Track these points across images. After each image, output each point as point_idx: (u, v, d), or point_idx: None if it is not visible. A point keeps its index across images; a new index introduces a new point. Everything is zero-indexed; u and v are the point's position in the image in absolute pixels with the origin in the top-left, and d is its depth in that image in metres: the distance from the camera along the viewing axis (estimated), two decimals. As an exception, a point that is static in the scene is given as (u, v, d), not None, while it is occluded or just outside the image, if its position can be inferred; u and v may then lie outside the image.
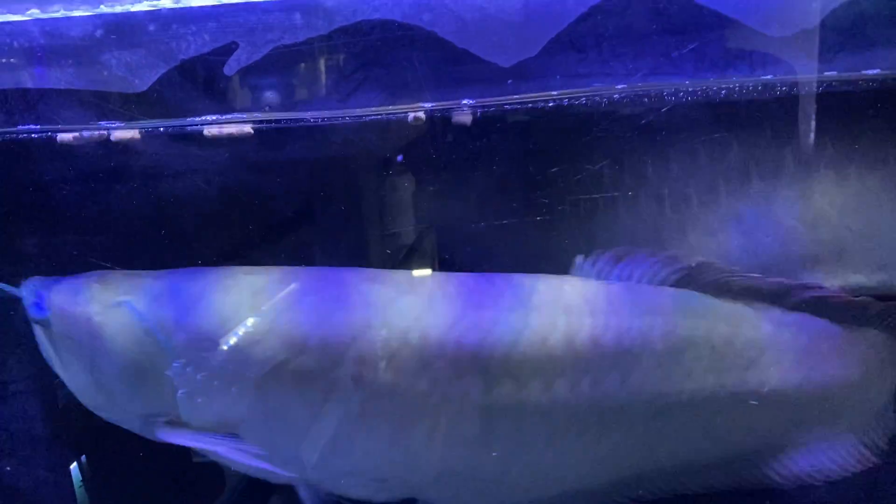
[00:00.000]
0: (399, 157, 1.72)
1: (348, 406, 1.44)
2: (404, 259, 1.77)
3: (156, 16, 1.53)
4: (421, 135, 1.65)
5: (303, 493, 1.56)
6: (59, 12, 1.54)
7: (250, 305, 1.46)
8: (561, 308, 1.50)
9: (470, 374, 1.43)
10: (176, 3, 1.54)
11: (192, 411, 1.48)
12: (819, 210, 1.77)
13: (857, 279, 1.76)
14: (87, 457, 1.90)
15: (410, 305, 1.47)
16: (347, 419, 1.45)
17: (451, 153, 1.71)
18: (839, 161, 1.73)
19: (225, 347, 1.44)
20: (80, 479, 1.89)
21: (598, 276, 1.58)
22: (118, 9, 1.53)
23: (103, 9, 1.54)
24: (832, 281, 1.74)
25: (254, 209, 1.75)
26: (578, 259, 1.59)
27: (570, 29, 1.49)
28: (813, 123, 1.59)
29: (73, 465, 1.89)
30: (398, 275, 1.55)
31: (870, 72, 1.55)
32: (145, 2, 1.54)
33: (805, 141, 1.63)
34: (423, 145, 1.67)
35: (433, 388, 1.43)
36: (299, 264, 1.59)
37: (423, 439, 1.47)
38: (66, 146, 1.66)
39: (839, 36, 1.54)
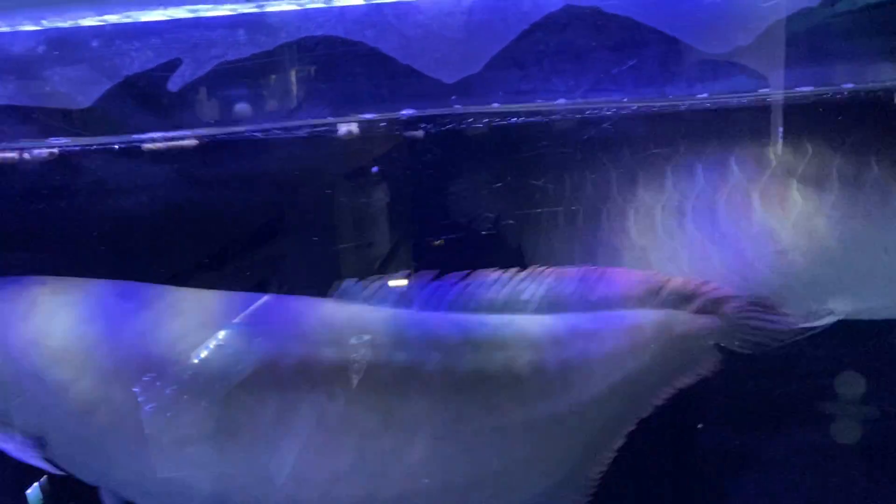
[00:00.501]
0: (374, 168, 1.72)
1: (114, 419, 1.41)
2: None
3: (99, 32, 1.52)
4: (364, 149, 1.66)
5: (105, 499, 1.54)
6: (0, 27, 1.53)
7: (65, 319, 1.45)
8: (298, 335, 1.39)
9: (188, 398, 1.38)
10: (125, 17, 1.54)
11: (9, 416, 1.48)
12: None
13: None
14: (48, 477, 1.87)
15: (143, 320, 1.43)
16: (115, 432, 1.42)
17: (397, 167, 1.71)
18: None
19: (21, 359, 1.44)
20: (41, 500, 1.86)
21: (368, 302, 1.42)
22: (60, 24, 1.52)
23: (45, 24, 1.53)
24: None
25: (194, 224, 1.74)
26: (346, 282, 1.43)
27: (513, 46, 1.50)
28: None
29: (33, 487, 1.86)
30: (151, 289, 1.51)
31: (804, 88, 1.58)
32: (89, 17, 1.53)
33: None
34: (367, 160, 1.67)
35: (164, 408, 1.39)
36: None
37: (174, 459, 1.42)
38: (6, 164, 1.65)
39: (781, 51, 1.56)
